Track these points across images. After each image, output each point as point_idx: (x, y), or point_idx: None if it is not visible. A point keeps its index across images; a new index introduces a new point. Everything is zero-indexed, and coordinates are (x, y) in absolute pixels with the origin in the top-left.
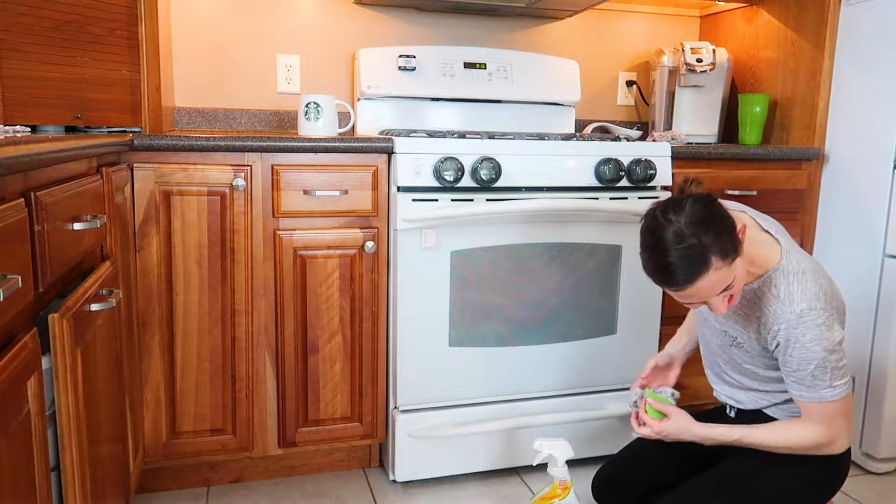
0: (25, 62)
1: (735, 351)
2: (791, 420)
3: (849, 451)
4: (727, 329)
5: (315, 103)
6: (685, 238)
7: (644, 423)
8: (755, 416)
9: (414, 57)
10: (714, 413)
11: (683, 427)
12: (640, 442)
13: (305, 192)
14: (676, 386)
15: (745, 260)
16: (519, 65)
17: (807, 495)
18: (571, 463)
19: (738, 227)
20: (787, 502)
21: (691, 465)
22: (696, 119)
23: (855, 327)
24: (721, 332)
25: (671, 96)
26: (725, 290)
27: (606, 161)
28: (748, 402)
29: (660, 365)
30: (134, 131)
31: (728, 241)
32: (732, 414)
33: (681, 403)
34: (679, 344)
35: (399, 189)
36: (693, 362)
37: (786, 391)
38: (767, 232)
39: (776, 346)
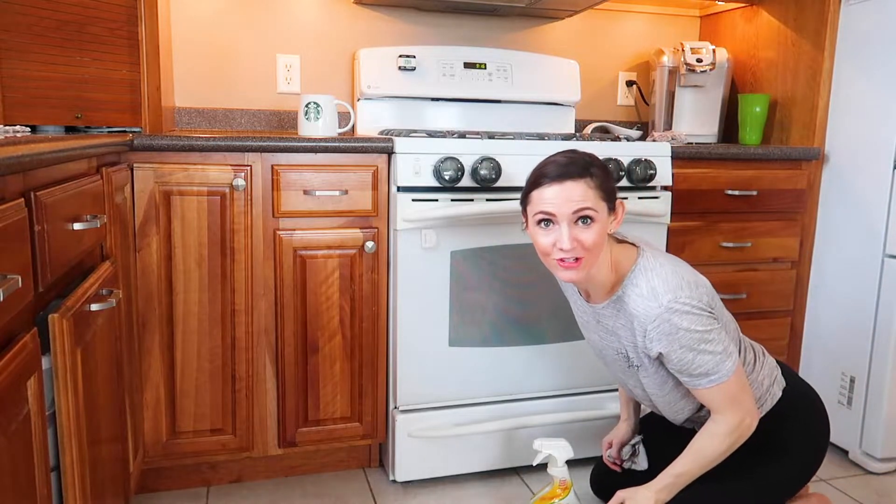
0: (25, 62)
1: (636, 376)
2: (701, 430)
3: (822, 416)
4: (614, 344)
5: (315, 103)
6: (577, 151)
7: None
8: None
9: (414, 57)
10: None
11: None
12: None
13: (305, 192)
14: None
15: (610, 251)
16: (519, 65)
17: (794, 483)
18: (571, 463)
19: (619, 210)
20: (786, 483)
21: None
22: (696, 119)
23: (855, 327)
24: (615, 355)
25: (671, 96)
26: (584, 220)
27: (606, 161)
28: (675, 418)
29: (623, 441)
30: (134, 131)
31: (609, 183)
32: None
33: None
34: (626, 409)
35: (399, 189)
36: None
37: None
38: (625, 241)
39: (658, 352)
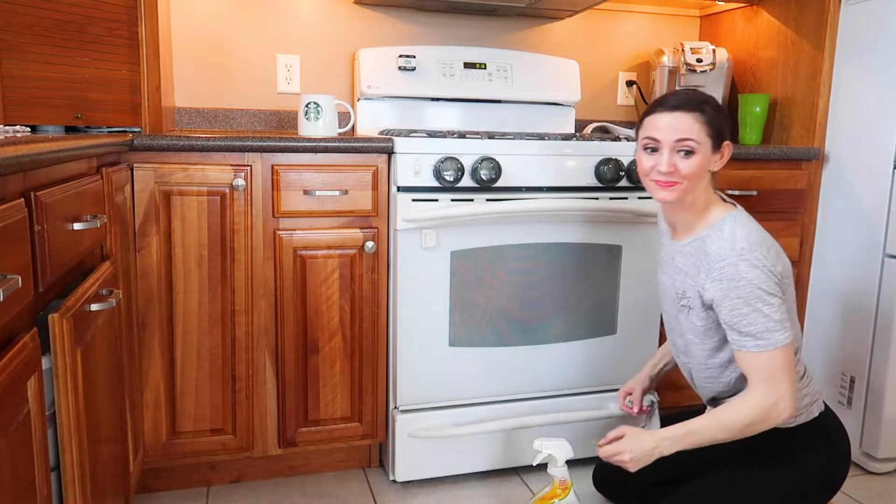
0: (25, 62)
1: (684, 319)
2: (730, 400)
3: (848, 449)
4: (677, 282)
5: (315, 103)
6: (698, 91)
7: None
8: None
9: (414, 57)
10: (694, 411)
11: (636, 442)
12: None
13: (305, 192)
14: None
15: (708, 196)
16: (519, 65)
17: (805, 495)
18: (571, 463)
19: (725, 151)
20: (793, 495)
21: (693, 460)
22: None
23: (855, 327)
24: (674, 294)
25: None
26: (686, 152)
27: (606, 161)
28: (703, 388)
29: (645, 388)
30: (134, 131)
31: (718, 123)
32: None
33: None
34: (658, 358)
35: (399, 189)
36: None
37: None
38: (727, 201)
39: (712, 297)
